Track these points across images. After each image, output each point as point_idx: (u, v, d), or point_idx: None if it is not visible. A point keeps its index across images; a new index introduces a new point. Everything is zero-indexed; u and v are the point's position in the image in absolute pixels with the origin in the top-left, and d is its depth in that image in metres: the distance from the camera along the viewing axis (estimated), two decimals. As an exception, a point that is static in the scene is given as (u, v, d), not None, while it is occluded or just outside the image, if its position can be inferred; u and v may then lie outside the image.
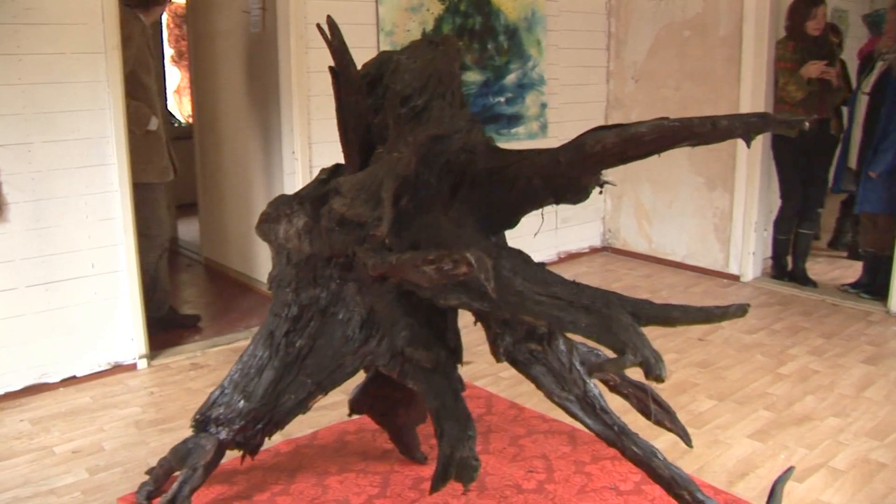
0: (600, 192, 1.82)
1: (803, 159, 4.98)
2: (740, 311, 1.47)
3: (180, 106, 8.72)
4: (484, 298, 1.48)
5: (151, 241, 4.19)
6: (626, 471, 2.74)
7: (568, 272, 5.57)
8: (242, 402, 1.95)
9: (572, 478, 2.73)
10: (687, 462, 2.87)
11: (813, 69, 4.75)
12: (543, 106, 5.54)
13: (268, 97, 4.62)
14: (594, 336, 1.42)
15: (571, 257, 5.93)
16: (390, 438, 2.67)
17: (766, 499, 2.06)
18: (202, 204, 5.85)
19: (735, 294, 5.07)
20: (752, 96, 5.06)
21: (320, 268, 1.91)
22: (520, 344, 1.70)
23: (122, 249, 3.73)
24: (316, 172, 4.37)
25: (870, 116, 4.83)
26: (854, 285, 5.03)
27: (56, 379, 3.64)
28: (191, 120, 6.66)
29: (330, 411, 3.26)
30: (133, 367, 3.87)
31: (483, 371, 3.65)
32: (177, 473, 2.17)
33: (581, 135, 1.66)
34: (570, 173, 1.66)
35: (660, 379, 1.34)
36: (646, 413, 1.85)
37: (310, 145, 4.38)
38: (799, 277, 5.21)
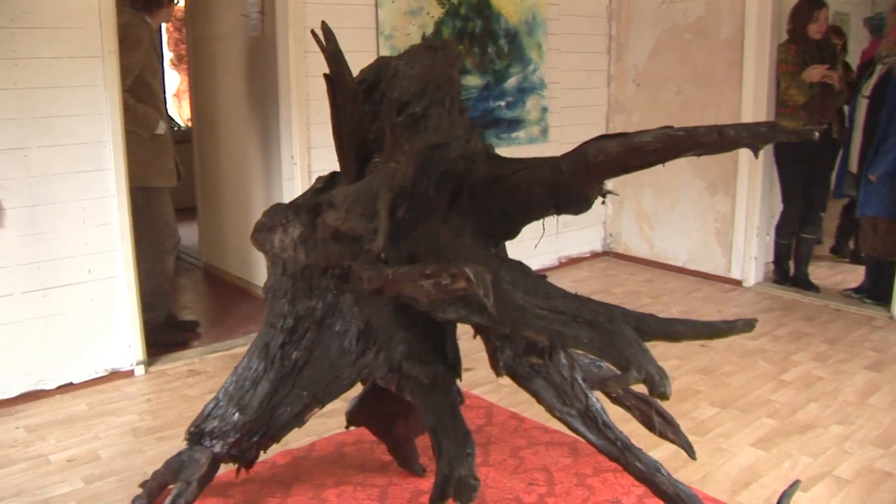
0: (603, 202, 1.78)
1: (805, 163, 4.95)
2: (747, 326, 1.44)
3: (179, 109, 8.70)
4: (483, 312, 1.45)
5: (162, 245, 4.16)
6: (629, 483, 2.70)
7: (569, 277, 5.55)
8: (237, 414, 1.91)
9: (574, 491, 2.69)
10: (690, 471, 2.84)
11: (815, 73, 4.72)
12: (544, 110, 5.50)
13: (267, 101, 4.59)
14: (597, 352, 1.38)
15: (572, 262, 5.90)
16: (388, 450, 2.63)
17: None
18: (201, 208, 5.82)
19: (737, 299, 5.04)
20: (754, 100, 5.02)
21: (316, 278, 1.88)
22: (520, 357, 1.66)
23: (120, 255, 3.70)
24: (315, 177, 4.35)
25: (870, 120, 4.81)
26: (857, 290, 5.00)
27: (52, 386, 3.61)
28: (190, 123, 6.64)
29: (328, 419, 3.22)
30: (130, 373, 3.84)
31: (483, 378, 3.62)
32: (171, 487, 2.14)
33: (583, 144, 1.62)
34: (572, 183, 1.62)
35: (664, 396, 1.30)
36: (649, 425, 1.82)
37: (308, 150, 4.35)
38: (801, 282, 5.18)
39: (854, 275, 5.42)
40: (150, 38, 4.04)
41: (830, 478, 2.86)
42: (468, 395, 3.35)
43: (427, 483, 2.67)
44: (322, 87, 2.01)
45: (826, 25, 4.88)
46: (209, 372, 3.90)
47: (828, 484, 2.82)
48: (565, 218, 5.98)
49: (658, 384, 1.29)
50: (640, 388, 1.70)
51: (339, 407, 3.05)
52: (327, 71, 1.87)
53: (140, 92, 3.93)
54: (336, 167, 2.26)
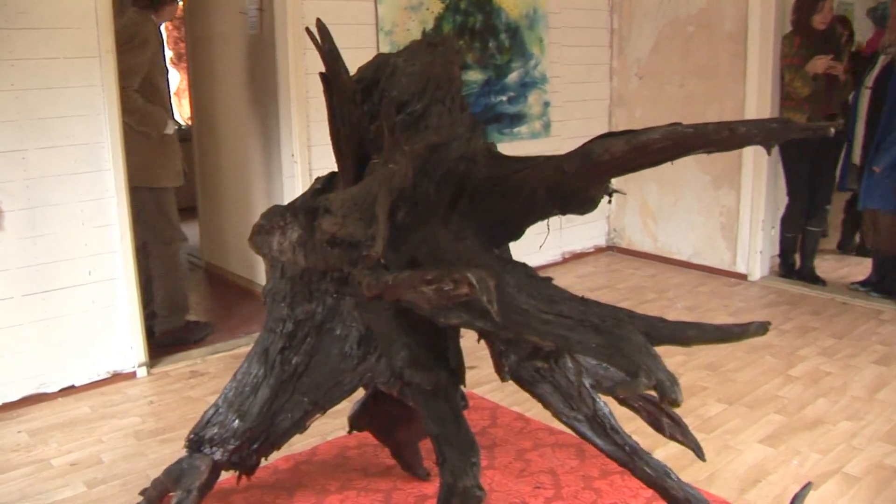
0: (609, 202, 1.73)
1: (810, 156, 4.90)
2: (761, 329, 1.40)
3: (179, 108, 8.66)
4: (487, 317, 1.40)
5: (171, 246, 4.14)
6: (637, 486, 2.66)
7: (573, 273, 5.51)
8: (237, 421, 1.88)
9: (581, 494, 2.65)
10: (697, 470, 2.80)
11: (819, 64, 4.67)
12: (546, 105, 5.46)
13: (267, 99, 4.56)
14: (605, 358, 1.34)
15: (576, 257, 5.86)
16: (392, 455, 2.59)
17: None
18: (202, 207, 5.79)
19: (743, 293, 5.00)
20: (758, 93, 4.98)
21: (316, 281, 1.84)
22: (525, 362, 1.62)
23: (120, 256, 3.67)
24: (316, 175, 4.32)
25: (872, 111, 4.76)
26: (864, 283, 4.95)
27: (54, 389, 3.58)
28: (189, 122, 6.60)
29: (331, 419, 3.18)
30: (132, 375, 3.81)
31: (487, 377, 3.58)
32: (171, 494, 2.11)
33: (588, 142, 1.58)
34: (577, 183, 1.58)
35: (675, 403, 1.26)
36: (658, 427, 1.78)
37: (309, 148, 4.31)
38: (807, 276, 5.14)
39: (860, 268, 5.37)
40: (156, 37, 4.03)
41: (840, 475, 2.83)
42: (472, 395, 3.32)
43: (432, 487, 2.64)
44: (320, 86, 1.97)
45: (830, 16, 4.82)
46: (211, 373, 3.88)
47: (837, 481, 2.79)
48: (569, 214, 5.88)
49: (669, 391, 1.25)
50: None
51: (342, 408, 3.01)
52: (321, 72, 1.83)
53: (148, 91, 3.91)
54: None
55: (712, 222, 5.40)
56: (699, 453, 1.90)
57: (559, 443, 3.00)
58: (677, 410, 3.13)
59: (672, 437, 1.82)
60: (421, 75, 1.82)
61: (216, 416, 1.91)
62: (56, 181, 3.46)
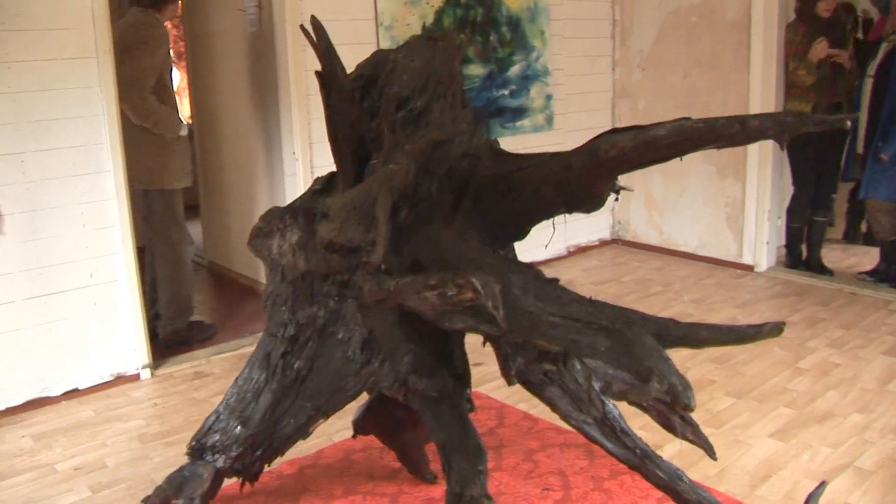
0: (616, 199, 1.69)
1: (815, 144, 4.85)
2: (775, 330, 1.36)
3: (181, 107, 8.62)
4: (493, 322, 1.36)
5: (178, 247, 4.12)
6: (647, 487, 2.61)
7: (578, 266, 5.47)
8: (239, 427, 1.85)
9: (590, 495, 2.61)
10: (706, 466, 2.77)
11: (818, 49, 4.61)
12: (549, 97, 5.42)
13: (267, 97, 4.53)
14: (614, 362, 1.30)
15: (581, 251, 5.82)
16: (398, 458, 2.56)
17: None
18: (204, 207, 5.76)
19: (750, 284, 4.95)
20: (763, 82, 4.93)
21: (317, 284, 1.80)
22: (533, 365, 1.59)
23: (121, 258, 3.65)
24: (318, 173, 4.29)
25: (875, 99, 4.70)
26: (871, 273, 4.90)
27: (58, 392, 3.56)
28: (190, 121, 6.57)
29: (337, 420, 3.11)
30: (136, 377, 3.79)
31: (493, 373, 3.51)
32: (174, 502, 2.08)
33: (594, 138, 1.54)
34: (583, 180, 1.54)
35: (689, 408, 1.23)
36: (669, 427, 1.74)
37: (310, 145, 4.28)
38: (814, 266, 5.09)
39: (868, 257, 5.32)
40: (167, 37, 4.02)
41: (852, 469, 2.79)
42: (478, 394, 3.28)
43: (438, 490, 2.60)
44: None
45: (835, 3, 4.77)
46: (216, 374, 3.85)
47: (850, 475, 2.75)
48: (573, 207, 5.85)
49: (682, 395, 1.22)
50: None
51: (348, 408, 2.99)
52: (317, 70, 1.78)
53: (160, 93, 3.90)
54: (338, 164, 2.19)
55: (718, 213, 5.36)
56: (711, 453, 1.86)
57: (567, 443, 2.95)
58: (686, 406, 3.09)
59: (683, 437, 1.79)
60: (421, 71, 1.77)
61: (218, 423, 1.87)
62: (55, 184, 3.43)
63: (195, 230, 5.97)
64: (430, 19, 4.67)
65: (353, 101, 1.71)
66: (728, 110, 5.14)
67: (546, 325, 1.37)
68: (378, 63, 1.84)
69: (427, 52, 1.82)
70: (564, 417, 1.71)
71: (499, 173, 1.68)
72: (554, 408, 1.68)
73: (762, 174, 5.06)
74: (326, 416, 1.96)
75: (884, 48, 4.71)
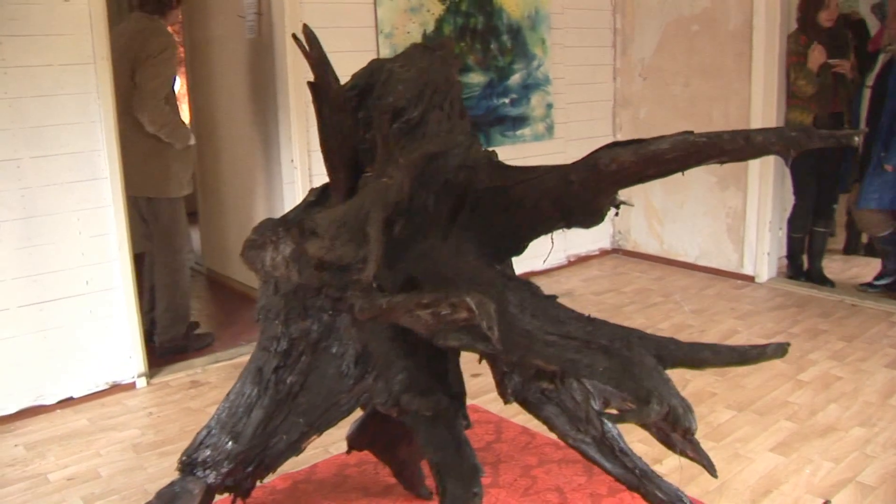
0: (616, 214, 1.66)
1: (816, 155, 4.81)
2: (779, 350, 1.32)
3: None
4: (488, 340, 1.33)
5: (178, 256, 4.10)
6: (646, 504, 2.60)
7: (578, 276, 5.44)
8: (230, 443, 1.81)
9: (588, 513, 2.57)
10: (706, 480, 2.73)
11: (816, 54, 4.59)
12: (549, 106, 5.40)
13: (266, 104, 4.51)
14: (613, 383, 1.26)
15: (581, 260, 5.79)
16: (392, 474, 2.52)
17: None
18: (203, 213, 5.74)
19: (750, 295, 4.92)
20: (765, 92, 4.90)
21: (310, 298, 1.76)
22: (530, 383, 1.55)
23: (117, 266, 3.62)
24: (316, 181, 4.26)
25: (872, 110, 4.68)
26: (872, 284, 4.87)
27: (52, 401, 3.53)
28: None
29: (333, 430, 3.12)
30: (132, 385, 3.76)
31: (491, 385, 3.50)
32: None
33: (594, 152, 1.51)
34: (583, 194, 1.50)
35: (689, 431, 1.20)
36: (668, 444, 1.71)
37: (309, 153, 4.26)
38: (816, 277, 5.06)
39: (869, 268, 5.29)
40: (176, 45, 4.03)
41: (854, 484, 2.76)
42: (476, 408, 3.24)
43: (434, 507, 2.57)
44: None
45: (837, 12, 4.75)
46: (212, 382, 3.82)
47: (852, 491, 2.72)
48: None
49: (682, 418, 1.18)
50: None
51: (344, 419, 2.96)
52: (309, 80, 1.75)
53: (169, 101, 3.90)
54: (334, 174, 2.15)
55: (719, 224, 5.33)
56: (711, 470, 1.83)
57: (566, 458, 2.91)
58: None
59: (683, 454, 1.76)
60: (417, 80, 1.74)
61: (209, 438, 1.84)
62: (52, 190, 3.41)
63: (193, 237, 5.96)
64: (430, 27, 4.66)
65: (346, 111, 1.68)
66: (729, 120, 5.13)
67: (543, 345, 1.33)
68: (373, 72, 1.81)
69: (424, 62, 1.79)
70: (562, 436, 1.67)
71: (496, 186, 1.64)
72: (551, 427, 1.64)
73: (763, 184, 5.03)
74: (320, 432, 1.93)
75: (882, 59, 4.68)
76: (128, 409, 3.56)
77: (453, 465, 1.58)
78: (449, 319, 1.20)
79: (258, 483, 1.95)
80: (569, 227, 1.61)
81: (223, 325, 4.66)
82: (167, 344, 4.12)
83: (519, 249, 1.72)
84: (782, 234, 5.23)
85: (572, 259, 5.73)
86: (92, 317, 3.59)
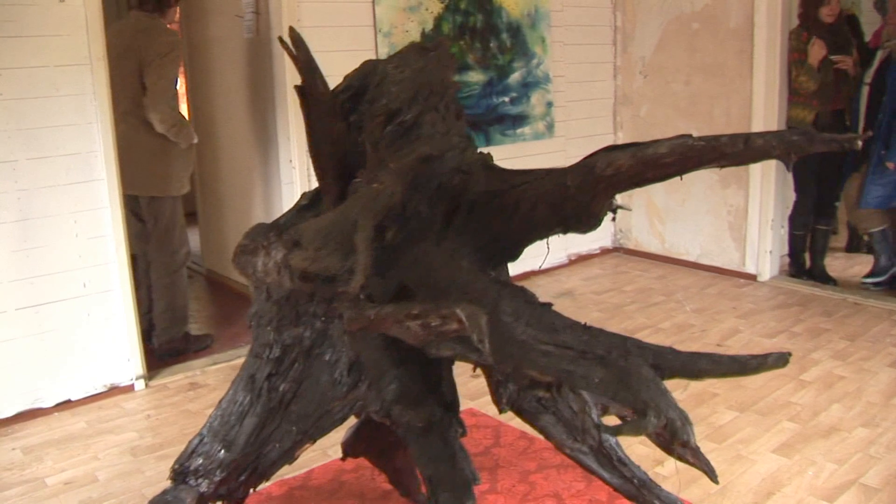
0: (613, 219, 1.63)
1: (818, 152, 4.78)
2: (780, 361, 1.29)
3: (180, 112, 8.58)
4: (481, 350, 1.30)
5: (176, 255, 4.09)
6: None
7: (579, 275, 5.42)
8: (223, 451, 1.79)
9: (587, 519, 2.54)
10: (707, 482, 2.66)
11: (815, 49, 4.56)
12: (549, 105, 5.37)
13: (264, 104, 4.48)
14: (609, 394, 1.23)
15: (582, 259, 5.76)
16: (389, 480, 2.49)
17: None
18: (202, 214, 5.72)
19: (752, 294, 4.89)
20: (766, 89, 4.87)
21: (303, 304, 1.74)
22: (525, 392, 1.53)
23: (115, 267, 3.60)
24: (314, 181, 4.23)
25: (871, 108, 4.64)
26: (877, 282, 4.84)
27: (50, 403, 3.52)
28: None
29: (332, 432, 3.10)
30: (130, 388, 3.74)
31: (492, 386, 3.50)
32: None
33: (590, 156, 1.48)
34: (579, 199, 1.47)
35: (687, 445, 1.17)
36: (668, 449, 1.68)
37: (307, 153, 4.23)
38: (818, 275, 5.03)
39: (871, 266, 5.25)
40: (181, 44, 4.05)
41: (857, 486, 2.73)
42: (474, 412, 3.21)
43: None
44: None
45: (839, 8, 4.72)
46: (211, 385, 3.80)
47: (855, 493, 2.69)
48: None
49: (680, 431, 1.16)
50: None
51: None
52: (296, 84, 1.72)
53: (174, 100, 3.93)
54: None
55: (720, 222, 5.30)
56: (712, 476, 1.80)
57: (565, 464, 2.86)
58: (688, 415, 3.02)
59: (682, 459, 1.73)
60: (412, 81, 1.71)
61: (201, 446, 1.82)
62: (48, 192, 3.39)
63: (193, 237, 5.94)
64: (429, 26, 4.63)
65: (335, 115, 1.65)
66: (731, 118, 5.09)
67: (538, 355, 1.30)
68: (366, 74, 1.77)
69: (418, 63, 1.76)
70: (559, 446, 1.64)
71: (491, 190, 1.61)
72: (548, 436, 1.61)
73: (765, 182, 5.00)
74: (313, 440, 1.90)
75: (880, 55, 4.64)
76: (126, 412, 3.54)
77: (446, 478, 1.56)
78: (439, 331, 1.17)
79: (251, 491, 1.92)
80: (565, 232, 1.58)
81: (222, 326, 4.64)
82: (166, 346, 4.10)
83: (514, 255, 1.69)
84: (784, 233, 5.20)
85: (573, 258, 5.70)
86: (90, 319, 3.57)
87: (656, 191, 5.61)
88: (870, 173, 4.57)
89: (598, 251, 5.89)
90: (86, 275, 3.53)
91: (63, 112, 3.38)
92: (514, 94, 5.15)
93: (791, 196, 5.07)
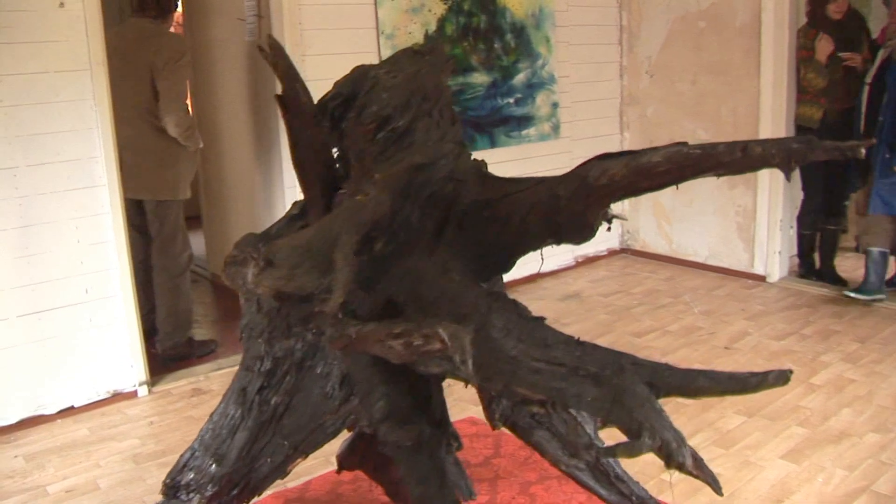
0: (608, 229, 1.58)
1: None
2: (781, 378, 1.25)
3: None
4: (463, 371, 1.26)
5: (179, 259, 4.07)
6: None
7: (586, 277, 5.37)
8: (214, 465, 1.76)
9: (588, 533, 2.49)
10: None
11: (822, 45, 4.49)
12: (555, 105, 5.32)
13: (267, 107, 4.46)
14: (603, 413, 1.19)
15: (589, 261, 5.71)
16: (386, 493, 2.45)
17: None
18: (206, 217, 5.71)
19: (761, 296, 4.84)
20: (774, 88, 4.82)
21: (294, 316, 1.72)
22: (519, 407, 1.49)
23: (117, 273, 3.58)
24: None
25: (871, 109, 4.56)
26: (889, 283, 4.76)
27: (53, 410, 3.50)
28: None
29: (331, 443, 3.07)
30: (133, 394, 3.72)
31: (496, 391, 3.46)
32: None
33: (583, 164, 1.44)
34: (573, 208, 1.43)
35: (682, 468, 1.13)
36: (667, 463, 1.64)
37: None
38: (828, 276, 4.97)
39: (884, 266, 5.18)
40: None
41: (868, 493, 2.68)
42: (475, 420, 3.17)
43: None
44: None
45: (846, 4, 4.65)
46: (214, 391, 3.78)
47: (866, 500, 2.64)
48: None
49: (675, 453, 1.11)
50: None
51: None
52: (277, 94, 1.69)
53: (184, 105, 3.95)
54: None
55: (728, 223, 5.25)
56: (716, 487, 1.76)
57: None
58: (694, 421, 2.96)
59: (685, 471, 1.68)
60: (404, 87, 1.67)
61: (193, 460, 1.79)
62: (49, 198, 3.37)
63: (198, 241, 5.93)
64: (432, 27, 4.60)
65: (318, 125, 1.62)
66: (738, 117, 5.04)
67: (529, 371, 1.25)
68: (357, 80, 1.73)
69: (412, 67, 1.72)
70: (554, 462, 1.59)
71: (483, 200, 1.57)
72: (542, 452, 1.57)
73: (774, 182, 4.94)
74: (305, 454, 1.87)
75: (881, 54, 4.56)
76: (129, 419, 3.53)
77: (435, 498, 1.52)
78: (422, 351, 1.14)
79: (245, 504, 1.90)
80: (558, 243, 1.54)
81: (227, 330, 4.61)
82: (169, 351, 4.08)
83: (507, 266, 1.64)
84: (793, 233, 5.14)
85: (580, 259, 5.65)
86: (92, 325, 3.56)
87: (663, 191, 5.53)
88: (876, 178, 4.47)
89: (605, 252, 5.84)
90: (87, 281, 3.52)
91: (63, 117, 3.36)
92: (518, 96, 5.11)
93: (800, 196, 5.01)
